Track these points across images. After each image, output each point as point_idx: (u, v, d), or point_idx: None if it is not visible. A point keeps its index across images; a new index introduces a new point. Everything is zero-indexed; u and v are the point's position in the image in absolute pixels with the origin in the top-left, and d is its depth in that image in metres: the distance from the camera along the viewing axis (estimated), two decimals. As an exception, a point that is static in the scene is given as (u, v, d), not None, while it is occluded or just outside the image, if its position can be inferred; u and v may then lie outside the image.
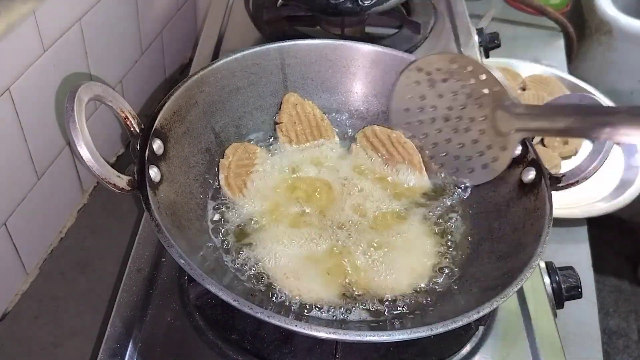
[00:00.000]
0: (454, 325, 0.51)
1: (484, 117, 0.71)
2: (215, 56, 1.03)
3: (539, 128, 0.66)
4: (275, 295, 0.62)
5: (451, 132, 0.74)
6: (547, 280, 0.74)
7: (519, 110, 0.66)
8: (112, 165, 0.56)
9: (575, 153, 1.16)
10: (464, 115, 0.72)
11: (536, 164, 0.68)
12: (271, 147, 0.79)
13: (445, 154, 0.75)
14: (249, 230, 0.68)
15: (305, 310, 0.61)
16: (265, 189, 0.72)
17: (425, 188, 0.76)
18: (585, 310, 0.96)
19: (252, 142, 0.78)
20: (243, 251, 0.66)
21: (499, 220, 0.69)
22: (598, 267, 1.03)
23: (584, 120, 0.59)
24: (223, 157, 0.73)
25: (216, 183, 0.72)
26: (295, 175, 0.75)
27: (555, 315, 0.72)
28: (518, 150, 0.70)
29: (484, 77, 0.70)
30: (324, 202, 0.71)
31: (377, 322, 0.61)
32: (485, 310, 0.52)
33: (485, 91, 0.70)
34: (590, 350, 0.95)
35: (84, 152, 0.53)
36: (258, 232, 0.68)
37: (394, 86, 0.78)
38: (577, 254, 1.03)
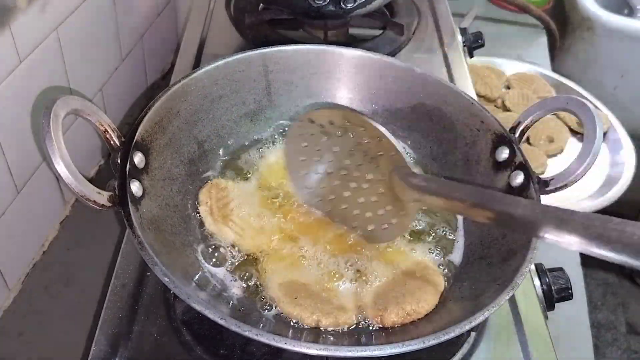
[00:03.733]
0: (447, 337, 0.50)
1: (382, 179, 0.65)
2: (198, 61, 1.01)
3: (435, 205, 0.60)
4: (267, 309, 0.61)
5: (350, 188, 0.68)
6: (537, 282, 0.73)
7: (415, 182, 0.60)
8: (94, 177, 0.55)
9: (561, 151, 1.16)
10: (361, 173, 0.67)
11: (524, 167, 0.67)
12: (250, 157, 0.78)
13: (345, 207, 0.68)
14: (247, 259, 0.67)
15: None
16: (253, 218, 0.70)
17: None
18: (575, 308, 0.96)
19: (223, 178, 0.75)
20: (233, 265, 0.65)
21: (487, 226, 0.68)
22: (585, 260, 1.03)
23: (483, 207, 0.51)
24: (199, 204, 0.70)
25: (198, 214, 0.70)
26: (277, 200, 0.73)
27: (546, 317, 0.71)
28: (505, 154, 0.69)
29: (378, 139, 0.65)
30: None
31: (368, 332, 0.60)
32: (477, 320, 0.52)
33: (380, 153, 0.65)
34: (580, 348, 0.95)
35: (62, 169, 0.51)
36: (258, 258, 0.67)
37: (287, 134, 0.73)
38: (566, 253, 1.03)
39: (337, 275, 0.65)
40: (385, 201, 0.65)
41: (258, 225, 0.69)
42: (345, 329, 0.60)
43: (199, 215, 0.70)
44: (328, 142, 0.70)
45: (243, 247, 0.67)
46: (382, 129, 0.66)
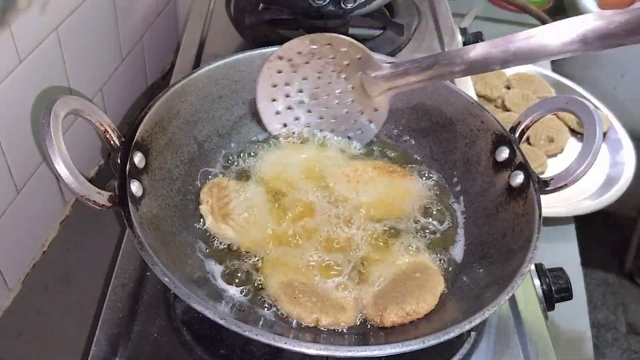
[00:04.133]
0: (447, 337, 0.50)
1: (352, 87, 0.73)
2: (198, 61, 1.01)
3: (404, 84, 0.70)
4: (267, 308, 0.61)
5: (322, 109, 0.76)
6: (537, 282, 0.73)
7: (380, 74, 0.70)
8: (94, 177, 0.55)
9: (561, 151, 1.16)
10: (331, 90, 0.75)
11: (524, 167, 0.67)
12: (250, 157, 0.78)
13: (320, 130, 0.78)
14: (248, 258, 0.67)
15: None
16: (253, 217, 0.70)
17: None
18: (575, 308, 0.96)
19: (223, 176, 0.75)
20: (233, 264, 0.65)
21: (488, 226, 0.68)
22: (585, 260, 1.03)
23: (434, 71, 0.67)
24: (200, 203, 0.70)
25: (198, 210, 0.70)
26: (277, 200, 0.73)
27: (546, 317, 0.71)
28: (505, 154, 0.70)
29: (344, 49, 0.70)
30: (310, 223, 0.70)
31: (368, 332, 0.60)
32: (477, 320, 0.52)
33: (347, 62, 0.71)
34: (580, 348, 0.95)
35: (62, 169, 0.51)
36: (258, 257, 0.67)
37: (257, 80, 0.76)
38: (566, 253, 1.03)
39: (337, 275, 0.65)
40: (357, 107, 0.75)
41: (258, 224, 0.69)
42: (345, 328, 0.60)
43: (200, 215, 0.70)
44: (296, 75, 0.74)
45: (243, 246, 0.67)
46: (347, 38, 0.71)
